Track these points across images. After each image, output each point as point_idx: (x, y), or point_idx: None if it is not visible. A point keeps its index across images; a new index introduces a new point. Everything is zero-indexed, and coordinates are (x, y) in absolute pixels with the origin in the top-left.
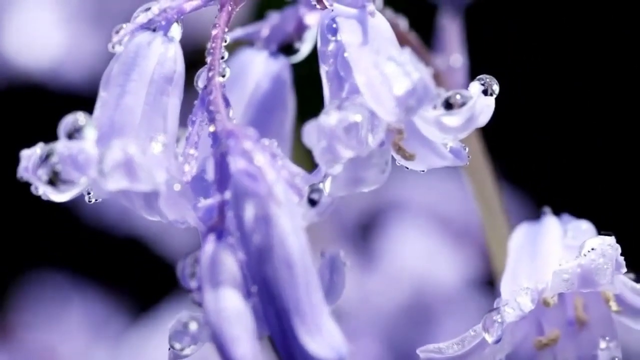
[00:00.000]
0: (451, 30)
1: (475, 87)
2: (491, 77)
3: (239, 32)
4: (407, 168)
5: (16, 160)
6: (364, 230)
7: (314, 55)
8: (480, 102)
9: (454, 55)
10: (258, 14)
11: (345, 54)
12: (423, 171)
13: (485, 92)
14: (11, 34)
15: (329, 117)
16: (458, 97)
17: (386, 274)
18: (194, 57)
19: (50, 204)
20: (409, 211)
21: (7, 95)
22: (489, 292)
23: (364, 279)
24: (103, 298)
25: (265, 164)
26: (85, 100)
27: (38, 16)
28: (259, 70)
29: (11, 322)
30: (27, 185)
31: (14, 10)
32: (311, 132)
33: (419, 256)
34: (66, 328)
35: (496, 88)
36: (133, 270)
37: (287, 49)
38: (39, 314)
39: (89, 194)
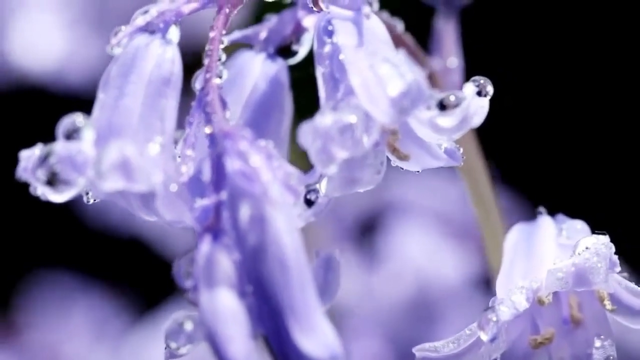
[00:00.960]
0: (447, 32)
1: (470, 88)
2: (485, 78)
3: (237, 35)
4: (402, 168)
5: (19, 162)
6: (366, 229)
7: (310, 58)
8: (474, 103)
9: (450, 57)
10: (256, 17)
11: (341, 56)
12: (418, 171)
13: (479, 94)
14: (14, 37)
15: (324, 118)
16: (452, 98)
17: (389, 272)
18: (191, 60)
19: (53, 204)
20: (410, 210)
21: (9, 97)
22: (489, 290)
23: (367, 278)
24: (106, 298)
25: (261, 164)
26: (87, 102)
27: (40, 19)
28: (256, 72)
29: (15, 322)
30: (29, 186)
31: (17, 13)
32: (306, 133)
33: (421, 254)
34: (69, 328)
35: (490, 89)
36: (135, 271)
37: (284, 51)
38: (42, 314)
39: (87, 194)
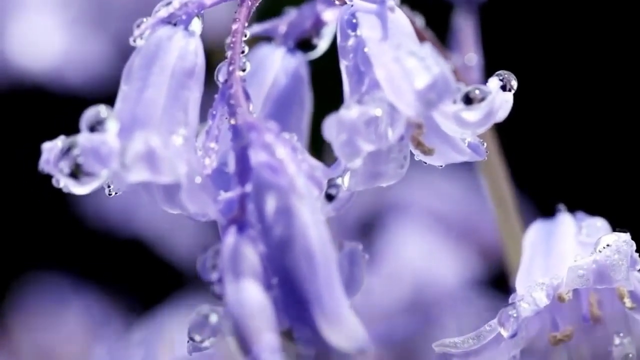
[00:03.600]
0: (466, 28)
1: (494, 82)
2: (509, 72)
3: (257, 28)
4: (425, 163)
5: (17, 162)
6: (365, 229)
7: (329, 52)
8: (499, 98)
9: (469, 53)
10: (271, 10)
11: (366, 49)
12: (441, 166)
13: (503, 88)
14: (13, 37)
15: (350, 111)
16: (477, 92)
17: (387, 273)
18: (209, 53)
19: (51, 205)
20: (410, 211)
21: (8, 97)
22: (489, 292)
23: (365, 278)
24: (103, 299)
25: (287, 156)
26: (86, 102)
27: (40, 19)
28: (276, 66)
29: (11, 323)
30: (27, 185)
31: (16, 13)
32: (331, 126)
33: (420, 256)
34: (66, 329)
35: (514, 84)
36: (134, 272)
37: (304, 45)
38: (38, 315)
39: (109, 187)
